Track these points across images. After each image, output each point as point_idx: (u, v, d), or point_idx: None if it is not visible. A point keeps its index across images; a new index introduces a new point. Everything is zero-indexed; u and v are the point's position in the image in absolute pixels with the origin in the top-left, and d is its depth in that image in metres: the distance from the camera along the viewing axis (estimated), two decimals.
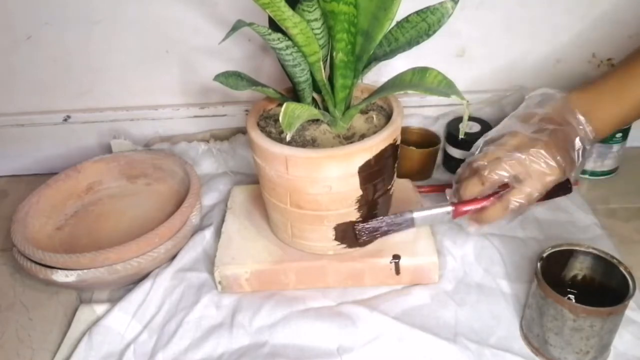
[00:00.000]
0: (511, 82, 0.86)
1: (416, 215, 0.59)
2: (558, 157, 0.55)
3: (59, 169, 0.77)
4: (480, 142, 0.60)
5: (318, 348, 0.58)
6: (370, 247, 0.65)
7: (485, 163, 0.56)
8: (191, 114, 0.88)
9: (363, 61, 0.58)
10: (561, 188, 0.58)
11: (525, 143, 0.56)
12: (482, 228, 0.60)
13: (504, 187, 0.57)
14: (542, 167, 0.54)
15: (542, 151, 0.55)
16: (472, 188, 0.58)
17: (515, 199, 0.55)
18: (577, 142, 0.56)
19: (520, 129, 0.57)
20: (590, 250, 0.56)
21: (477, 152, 0.59)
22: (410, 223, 0.60)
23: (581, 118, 0.57)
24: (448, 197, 0.61)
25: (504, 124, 0.60)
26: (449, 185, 0.62)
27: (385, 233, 0.61)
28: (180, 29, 0.80)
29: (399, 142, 0.61)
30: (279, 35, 0.51)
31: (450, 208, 0.59)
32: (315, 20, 0.52)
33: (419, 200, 0.72)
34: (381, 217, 0.60)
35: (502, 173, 0.55)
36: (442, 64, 0.54)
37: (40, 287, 0.68)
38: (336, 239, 0.62)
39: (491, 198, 0.57)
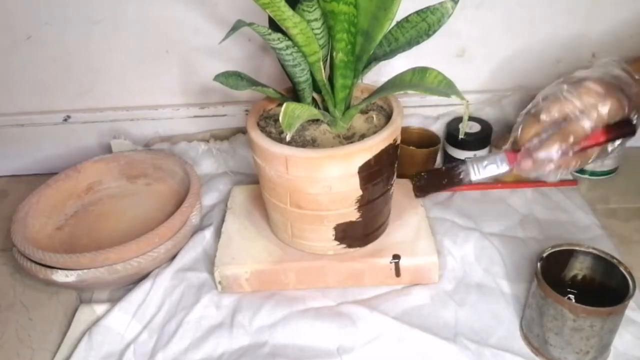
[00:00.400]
0: (511, 82, 0.86)
1: (469, 165, 0.56)
2: (610, 91, 0.52)
3: (59, 169, 0.77)
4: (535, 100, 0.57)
5: (318, 348, 0.58)
6: (370, 247, 0.65)
7: (541, 103, 0.54)
8: (191, 114, 0.88)
9: (363, 61, 0.57)
10: (624, 126, 0.53)
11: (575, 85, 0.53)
12: (543, 172, 0.54)
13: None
14: (594, 99, 0.51)
15: (592, 84, 0.52)
16: (529, 129, 0.54)
17: (572, 134, 0.52)
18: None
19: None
20: (590, 250, 0.56)
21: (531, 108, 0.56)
22: (467, 174, 0.56)
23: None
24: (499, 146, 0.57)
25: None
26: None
27: (442, 187, 0.59)
28: (180, 29, 0.80)
29: (399, 142, 0.61)
30: (279, 35, 0.51)
31: (503, 154, 0.55)
32: (315, 20, 0.52)
33: (418, 200, 0.72)
34: (439, 169, 0.59)
35: (556, 112, 0.52)
36: (442, 64, 0.54)
37: (40, 287, 0.68)
38: (336, 239, 0.62)
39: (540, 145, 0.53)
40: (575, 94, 0.52)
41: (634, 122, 0.54)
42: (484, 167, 0.56)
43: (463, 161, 0.56)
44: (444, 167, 0.58)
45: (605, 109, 0.52)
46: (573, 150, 0.52)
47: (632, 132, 0.54)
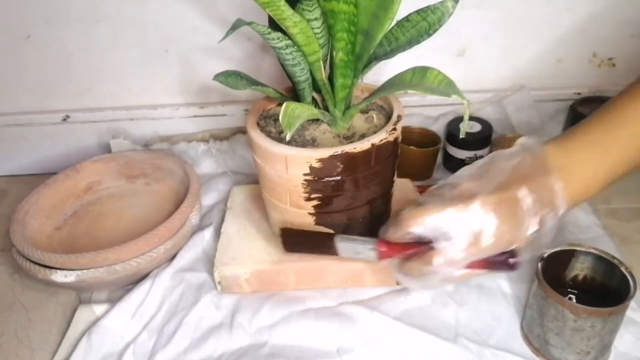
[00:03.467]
0: (512, 81, 0.86)
1: (339, 242, 0.53)
2: (499, 219, 0.44)
3: (58, 169, 0.77)
4: (448, 179, 0.50)
5: (318, 348, 0.58)
6: None
7: (409, 210, 0.47)
8: (191, 113, 0.88)
9: (363, 60, 0.57)
10: (503, 262, 0.46)
11: (464, 195, 0.46)
12: (413, 282, 0.49)
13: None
14: (473, 229, 0.44)
15: (479, 207, 0.44)
16: (393, 231, 0.48)
17: (436, 259, 0.45)
18: (538, 209, 0.44)
19: (469, 180, 0.47)
20: (591, 250, 0.56)
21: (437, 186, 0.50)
22: (333, 249, 0.53)
23: (555, 180, 0.45)
24: (380, 234, 0.52)
25: (475, 166, 0.50)
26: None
27: (310, 251, 0.57)
28: (180, 28, 0.80)
29: (399, 141, 0.61)
30: (279, 34, 0.51)
31: (373, 245, 0.51)
32: (315, 19, 0.52)
33: (419, 200, 0.72)
34: (311, 232, 0.56)
35: (416, 229, 0.46)
36: (442, 64, 0.54)
37: (40, 288, 0.68)
38: None
39: (417, 248, 0.48)
40: (451, 215, 0.45)
41: (516, 260, 0.46)
42: (355, 252, 0.52)
43: (333, 235, 0.53)
44: (317, 233, 0.56)
45: (486, 244, 0.44)
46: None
47: (510, 269, 0.47)
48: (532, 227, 0.45)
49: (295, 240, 0.59)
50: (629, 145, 0.47)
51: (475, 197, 0.45)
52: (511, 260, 0.46)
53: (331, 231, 0.53)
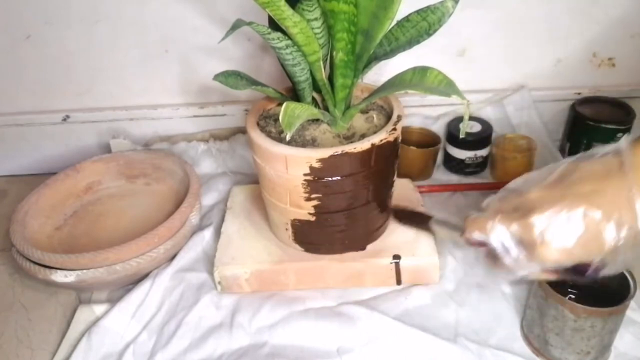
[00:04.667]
0: (512, 81, 0.86)
1: (434, 225, 0.54)
2: (562, 233, 0.41)
3: (58, 169, 0.77)
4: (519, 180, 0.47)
5: (318, 348, 0.58)
6: (370, 247, 0.65)
7: (472, 216, 0.46)
8: (190, 113, 0.88)
9: (363, 60, 0.57)
10: (576, 271, 0.44)
11: (526, 206, 0.43)
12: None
13: None
14: (531, 241, 0.42)
15: (538, 220, 0.41)
16: (469, 230, 0.47)
17: (499, 263, 0.45)
18: (616, 220, 0.39)
19: (535, 190, 0.43)
20: None
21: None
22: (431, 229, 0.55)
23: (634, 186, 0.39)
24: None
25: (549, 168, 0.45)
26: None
27: (415, 227, 0.59)
28: (180, 28, 0.80)
29: (399, 141, 0.61)
30: (279, 34, 0.51)
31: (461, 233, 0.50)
32: (315, 19, 0.52)
33: (419, 200, 0.72)
34: (416, 212, 0.60)
35: (476, 236, 0.45)
36: (442, 64, 0.54)
37: (40, 288, 0.68)
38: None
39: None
40: (517, 226, 0.43)
41: (588, 271, 0.43)
42: (448, 235, 0.53)
43: (430, 218, 0.55)
44: (420, 213, 0.60)
45: (551, 253, 0.41)
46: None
47: (583, 280, 0.44)
48: (604, 241, 0.40)
49: (403, 215, 0.60)
50: None
51: (534, 211, 0.42)
52: (588, 270, 0.43)
53: (431, 214, 0.56)
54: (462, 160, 0.82)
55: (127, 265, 0.62)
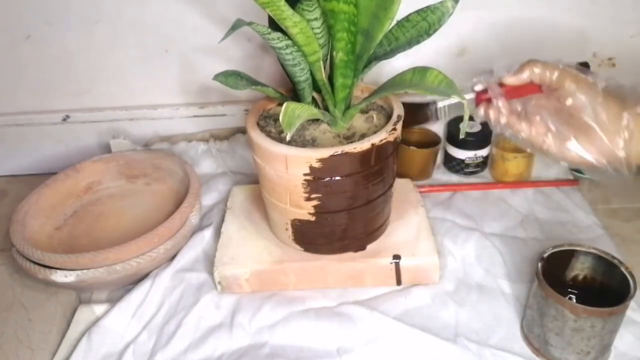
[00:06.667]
0: None
1: (440, 105, 0.58)
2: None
3: (58, 169, 0.77)
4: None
5: (318, 349, 0.58)
6: (370, 247, 0.65)
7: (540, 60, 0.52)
8: (191, 113, 0.88)
9: (363, 60, 0.57)
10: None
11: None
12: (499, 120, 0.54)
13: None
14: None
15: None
16: (512, 74, 0.53)
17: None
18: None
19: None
20: (591, 250, 0.56)
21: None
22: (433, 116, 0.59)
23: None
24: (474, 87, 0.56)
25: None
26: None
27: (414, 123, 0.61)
28: (180, 28, 0.80)
29: (399, 141, 0.61)
30: (279, 34, 0.51)
31: (472, 95, 0.55)
32: (315, 19, 0.52)
33: (419, 200, 0.72)
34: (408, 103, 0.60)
35: (540, 71, 0.51)
36: (442, 64, 0.54)
37: (40, 288, 0.68)
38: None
39: (531, 87, 0.53)
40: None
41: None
42: (454, 106, 0.58)
43: (433, 102, 0.58)
44: (414, 104, 0.61)
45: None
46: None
47: None
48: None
49: (407, 114, 0.60)
50: None
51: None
52: None
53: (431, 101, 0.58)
54: (462, 160, 0.82)
55: (127, 265, 0.62)
